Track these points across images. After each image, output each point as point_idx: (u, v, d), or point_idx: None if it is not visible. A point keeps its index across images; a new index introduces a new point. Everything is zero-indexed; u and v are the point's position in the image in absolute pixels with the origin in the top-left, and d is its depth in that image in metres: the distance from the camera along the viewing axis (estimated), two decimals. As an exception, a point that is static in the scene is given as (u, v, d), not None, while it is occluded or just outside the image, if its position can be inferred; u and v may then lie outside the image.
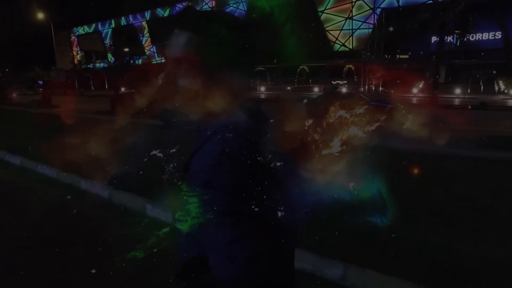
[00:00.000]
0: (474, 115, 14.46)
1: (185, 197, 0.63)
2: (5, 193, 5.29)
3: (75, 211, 4.41)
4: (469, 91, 26.67)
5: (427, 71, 31.71)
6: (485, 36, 29.70)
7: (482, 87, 28.48)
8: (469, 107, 16.83)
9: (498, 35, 28.28)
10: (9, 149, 7.32)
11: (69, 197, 4.91)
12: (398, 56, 32.41)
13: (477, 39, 29.61)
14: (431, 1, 30.25)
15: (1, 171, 6.47)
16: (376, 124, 0.60)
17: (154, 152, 0.72)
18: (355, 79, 32.44)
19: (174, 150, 0.66)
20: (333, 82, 33.67)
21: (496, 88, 28.57)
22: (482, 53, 29.17)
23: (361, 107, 0.61)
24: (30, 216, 4.28)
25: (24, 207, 4.59)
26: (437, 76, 21.04)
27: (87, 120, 11.31)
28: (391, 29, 30.03)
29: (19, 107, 20.92)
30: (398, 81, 28.34)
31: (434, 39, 31.91)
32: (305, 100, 0.55)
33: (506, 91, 27.53)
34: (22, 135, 9.17)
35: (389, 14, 31.28)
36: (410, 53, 31.15)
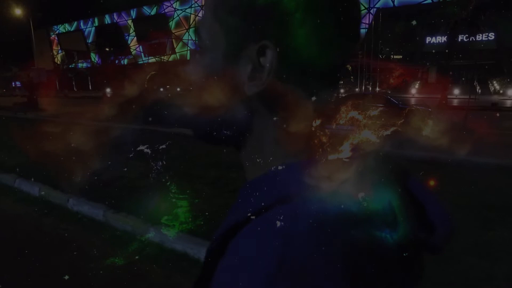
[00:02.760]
0: (495, 117, 14.13)
1: (173, 200, 0.54)
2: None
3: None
4: (478, 91, 26.65)
5: (421, 71, 31.84)
6: (478, 37, 29.96)
7: (478, 88, 28.69)
8: (498, 113, 16.43)
9: (492, 36, 28.58)
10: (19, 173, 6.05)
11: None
12: (392, 56, 32.38)
13: (470, 39, 29.83)
14: (426, 2, 30.32)
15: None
16: (392, 129, 0.57)
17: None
18: (351, 79, 32.19)
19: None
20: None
21: (492, 88, 28.89)
22: (474, 54, 29.42)
23: (376, 109, 0.55)
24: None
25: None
26: (448, 76, 20.87)
27: (93, 128, 10.03)
28: (386, 29, 29.89)
29: (3, 111, 19.31)
30: (396, 81, 28.19)
31: (428, 39, 32.06)
32: (313, 98, 0.49)
33: (501, 92, 27.82)
34: (32, 154, 7.69)
35: (384, 14, 31.15)
36: (406, 53, 31.15)
